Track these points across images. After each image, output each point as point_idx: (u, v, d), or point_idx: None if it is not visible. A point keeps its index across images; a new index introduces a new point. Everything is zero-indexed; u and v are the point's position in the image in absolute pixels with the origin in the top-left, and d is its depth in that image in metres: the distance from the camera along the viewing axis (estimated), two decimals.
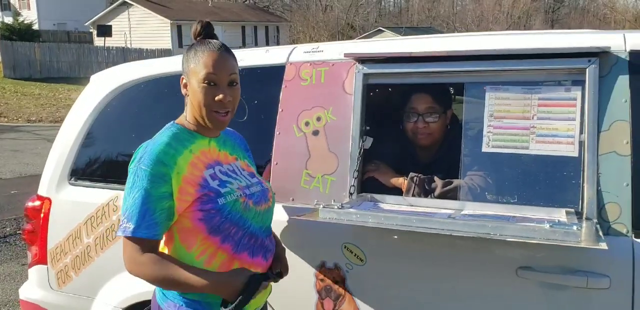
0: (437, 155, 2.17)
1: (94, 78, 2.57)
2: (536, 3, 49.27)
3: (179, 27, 31.57)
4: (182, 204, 1.53)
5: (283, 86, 2.09)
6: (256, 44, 35.09)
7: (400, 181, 2.03)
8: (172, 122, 1.67)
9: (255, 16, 37.44)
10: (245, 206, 1.61)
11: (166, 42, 30.73)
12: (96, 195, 2.33)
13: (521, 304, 1.74)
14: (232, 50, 1.66)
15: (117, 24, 31.61)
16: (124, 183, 2.25)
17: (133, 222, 1.49)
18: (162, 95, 2.34)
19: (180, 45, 31.26)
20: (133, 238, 1.49)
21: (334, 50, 2.05)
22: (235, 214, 1.58)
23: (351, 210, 1.68)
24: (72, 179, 2.42)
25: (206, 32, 1.63)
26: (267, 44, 36.08)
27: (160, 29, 31.32)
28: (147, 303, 2.22)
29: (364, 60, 1.96)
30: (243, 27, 34.98)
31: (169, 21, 31.01)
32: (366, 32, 39.01)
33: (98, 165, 2.42)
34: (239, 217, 1.59)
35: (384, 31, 36.53)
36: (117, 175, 2.32)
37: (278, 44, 36.49)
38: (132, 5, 31.89)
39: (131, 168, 1.54)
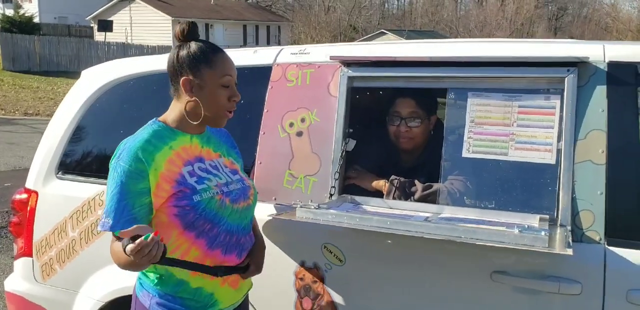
0: (419, 159, 2.20)
1: (85, 73, 2.59)
2: (539, 10, 49.37)
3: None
4: (158, 200, 1.56)
5: (269, 87, 2.12)
6: (257, 43, 35.11)
7: (381, 184, 2.06)
8: (154, 119, 1.70)
9: (257, 15, 37.45)
10: (221, 204, 1.63)
11: (167, 39, 30.71)
12: (83, 190, 2.35)
13: (495, 307, 1.76)
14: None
15: (118, 19, 31.61)
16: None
17: (111, 218, 1.53)
18: (150, 92, 2.37)
19: None
20: (113, 233, 1.54)
21: (321, 52, 2.08)
22: (209, 211, 1.60)
23: (328, 210, 1.71)
24: (60, 172, 2.45)
25: (195, 33, 1.66)
26: (268, 43, 36.11)
27: (161, 26, 31.33)
28: (130, 297, 2.24)
29: (349, 63, 1.99)
30: (244, 26, 35.00)
31: (170, 18, 31.01)
32: (368, 34, 39.05)
33: (86, 160, 2.44)
34: (214, 215, 1.61)
35: (386, 34, 36.58)
36: (104, 170, 2.29)
37: (279, 43, 36.51)
38: (134, 0, 31.91)
39: (111, 164, 1.58)
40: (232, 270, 1.69)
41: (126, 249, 1.37)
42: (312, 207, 1.71)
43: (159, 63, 2.36)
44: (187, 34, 1.65)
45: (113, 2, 32.92)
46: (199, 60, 1.61)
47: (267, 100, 2.11)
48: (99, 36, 29.03)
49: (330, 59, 2.00)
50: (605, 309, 1.66)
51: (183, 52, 1.63)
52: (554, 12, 55.22)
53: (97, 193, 2.30)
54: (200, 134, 1.72)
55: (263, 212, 1.95)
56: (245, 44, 34.30)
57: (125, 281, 2.21)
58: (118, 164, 1.55)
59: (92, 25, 32.49)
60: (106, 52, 25.40)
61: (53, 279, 2.45)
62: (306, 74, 2.07)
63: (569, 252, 1.43)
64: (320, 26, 37.83)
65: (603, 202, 1.69)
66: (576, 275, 1.67)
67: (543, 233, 1.48)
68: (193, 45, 1.63)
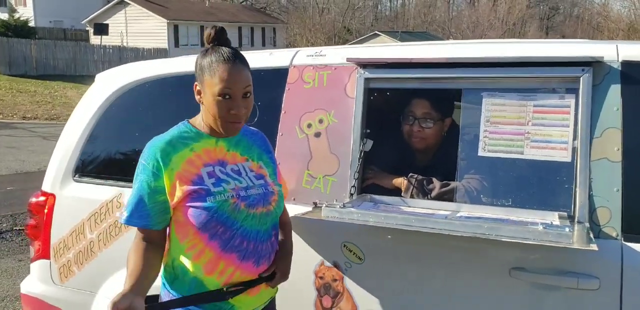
0: (433, 160, 2.23)
1: (99, 77, 2.62)
2: (531, 10, 49.58)
3: (176, 27, 31.58)
4: (172, 198, 1.63)
5: (286, 89, 2.15)
6: (252, 45, 35.13)
7: (400, 181, 2.09)
8: (185, 120, 1.75)
9: (252, 17, 37.46)
10: (234, 207, 1.64)
11: (162, 42, 30.71)
12: (100, 192, 2.37)
13: (514, 303, 1.79)
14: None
15: (114, 22, 31.55)
16: (128, 180, 2.34)
17: (128, 211, 1.65)
18: (166, 95, 2.39)
19: (177, 45, 31.26)
20: (129, 225, 1.66)
21: (337, 54, 2.12)
22: (222, 214, 1.62)
23: (353, 209, 1.74)
24: (77, 175, 2.47)
25: (220, 38, 1.66)
26: (264, 45, 36.12)
27: (157, 29, 31.31)
28: (149, 298, 2.26)
29: (365, 65, 2.03)
30: (240, 28, 34.99)
31: (165, 21, 30.99)
32: (362, 35, 39.14)
33: (102, 163, 2.46)
34: (226, 218, 1.63)
35: (380, 35, 36.68)
36: (121, 173, 2.37)
37: (274, 45, 36.55)
38: (129, 4, 31.86)
39: (138, 162, 1.67)
40: (250, 283, 1.71)
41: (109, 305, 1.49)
42: (338, 206, 1.74)
43: (175, 66, 2.39)
44: (212, 39, 1.66)
45: (108, 5, 32.88)
46: (202, 66, 1.64)
47: (284, 101, 2.14)
48: (94, 39, 28.99)
49: (347, 61, 2.03)
50: (623, 304, 1.69)
51: (202, 58, 1.66)
52: (545, 12, 55.47)
53: (115, 195, 2.32)
54: (229, 138, 1.73)
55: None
56: (240, 45, 34.28)
57: None
58: (140, 162, 1.65)
59: (87, 28, 32.43)
60: (102, 55, 25.39)
61: (71, 280, 2.47)
62: (323, 75, 2.10)
63: (594, 247, 1.46)
64: (315, 28, 37.92)
65: (619, 199, 1.72)
66: (594, 270, 1.70)
67: (567, 229, 1.51)
68: (213, 53, 1.63)
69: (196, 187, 1.62)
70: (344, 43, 36.21)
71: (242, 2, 44.51)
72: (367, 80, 2.02)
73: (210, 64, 1.62)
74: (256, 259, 1.70)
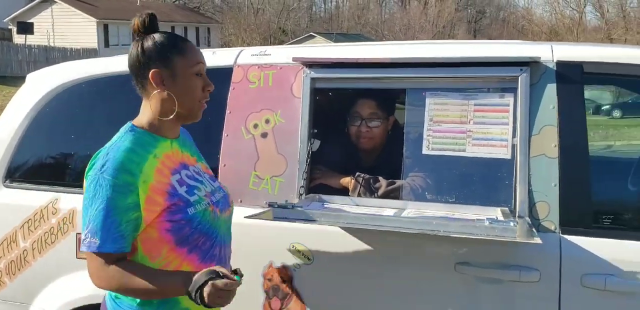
0: (379, 159, 2.26)
1: (30, 77, 2.49)
2: (460, 13, 51.21)
3: (106, 26, 30.54)
4: (150, 215, 1.44)
5: (231, 88, 2.11)
6: None
7: (347, 180, 2.10)
8: (129, 124, 1.54)
9: (185, 17, 36.79)
10: (214, 215, 1.54)
11: (92, 42, 29.61)
12: (34, 198, 2.26)
13: (460, 298, 1.84)
14: None
15: (39, 21, 30.16)
16: (64, 185, 2.25)
17: (99, 237, 1.38)
18: (104, 95, 2.31)
19: (107, 44, 30.24)
20: (99, 253, 1.39)
21: (282, 54, 2.10)
22: (205, 224, 1.50)
23: (303, 210, 1.73)
24: (7, 181, 2.34)
25: (154, 25, 1.52)
26: (198, 45, 34.92)
27: (86, 28, 30.15)
28: (87, 308, 2.17)
29: (311, 64, 2.02)
30: (172, 28, 34.20)
31: (95, 20, 29.91)
32: (297, 36, 39.24)
33: (36, 167, 2.34)
34: (209, 227, 1.52)
35: (315, 36, 36.90)
36: (56, 177, 2.27)
37: (209, 45, 36.03)
38: (55, 2, 30.57)
39: (90, 176, 1.42)
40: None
41: (217, 283, 1.32)
42: (288, 207, 1.72)
43: (113, 65, 2.30)
44: (149, 26, 1.50)
45: (33, 3, 31.40)
46: (168, 48, 1.48)
47: (229, 101, 2.10)
48: (18, 39, 27.58)
49: (293, 61, 2.03)
50: (562, 294, 1.76)
51: (148, 44, 1.47)
52: (473, 15, 57.39)
53: (50, 201, 2.22)
54: (178, 138, 1.60)
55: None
56: None
57: (80, 292, 2.15)
58: (102, 177, 1.39)
59: (10, 27, 30.86)
60: (27, 55, 24.17)
61: (2, 292, 2.34)
62: (268, 75, 2.08)
63: (538, 240, 1.52)
64: (250, 28, 37.70)
65: (557, 193, 1.80)
66: (535, 263, 1.77)
67: (512, 224, 1.56)
68: (158, 35, 1.50)
69: (175, 198, 1.45)
70: (279, 44, 36.17)
71: (175, 1, 43.64)
72: (313, 80, 2.01)
73: (174, 44, 1.49)
74: (224, 263, 1.60)
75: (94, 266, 1.41)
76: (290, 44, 33.78)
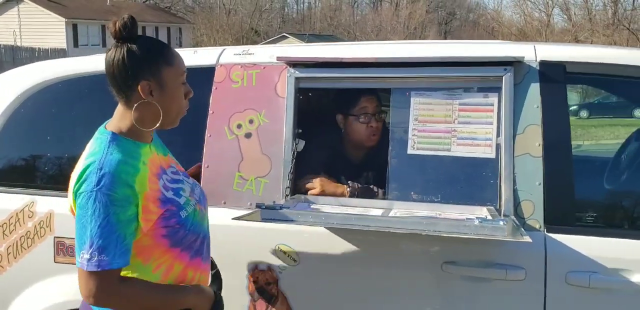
0: (366, 157, 2.24)
1: (2, 77, 2.41)
2: (430, 15, 51.69)
3: (75, 26, 29.98)
4: (147, 224, 1.42)
5: (213, 88, 2.08)
6: None
7: (341, 190, 2.06)
8: (107, 131, 1.46)
9: (156, 17, 36.35)
10: (201, 213, 1.56)
11: (61, 41, 29.03)
12: (9, 201, 2.18)
13: (447, 297, 1.84)
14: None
15: (5, 20, 29.50)
16: (40, 187, 2.18)
17: (106, 254, 1.34)
18: (81, 95, 2.25)
19: (76, 44, 29.69)
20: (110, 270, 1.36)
21: (265, 53, 2.08)
22: (196, 224, 1.51)
23: (291, 210, 1.71)
24: None
25: (135, 28, 1.46)
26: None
27: (54, 28, 29.55)
28: None
29: (295, 64, 2.00)
30: (144, 28, 33.79)
31: (63, 19, 29.33)
32: (270, 37, 39.12)
33: (11, 169, 2.27)
34: (199, 226, 1.53)
35: (288, 37, 36.82)
36: (32, 180, 2.21)
37: (180, 45, 35.66)
38: (23, 1, 29.90)
39: (86, 193, 1.36)
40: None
41: None
42: (276, 208, 1.70)
43: (90, 64, 2.24)
44: (131, 31, 1.43)
45: None
46: (157, 58, 1.43)
47: (212, 101, 2.07)
48: None
49: (277, 60, 2.00)
50: (547, 291, 1.78)
51: (134, 51, 1.40)
52: (443, 17, 58.00)
53: (26, 204, 2.15)
54: (153, 141, 1.56)
55: (214, 216, 1.91)
56: None
57: (58, 297, 2.10)
58: (100, 193, 1.34)
59: None
60: None
61: None
62: (251, 74, 2.05)
63: (527, 239, 1.53)
64: (222, 29, 37.40)
65: (541, 192, 1.81)
66: (520, 261, 1.78)
67: (501, 223, 1.56)
68: (142, 43, 1.43)
69: (167, 204, 1.44)
70: (252, 45, 35.95)
71: (146, 1, 43.09)
72: (297, 79, 1.99)
73: (162, 54, 1.44)
74: (207, 255, 1.62)
75: (101, 286, 1.36)
76: (263, 44, 33.64)
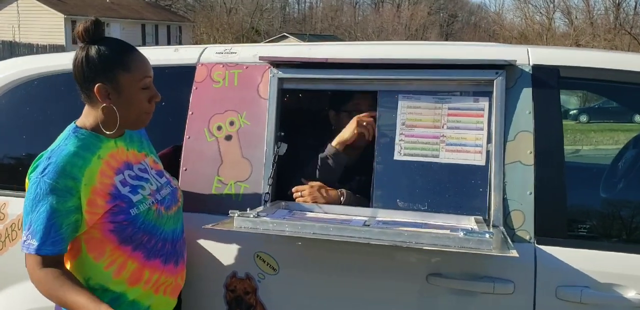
0: (360, 159, 2.14)
1: None
2: (432, 17, 51.73)
3: (74, 23, 29.91)
4: (93, 217, 1.44)
5: (193, 88, 2.00)
6: (157, 43, 34.03)
7: (333, 200, 1.98)
8: (73, 125, 1.54)
9: (156, 14, 36.31)
10: (158, 214, 1.54)
11: (59, 38, 29.00)
12: None
13: (432, 309, 1.76)
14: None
15: (4, 16, 29.43)
16: (12, 189, 2.10)
17: (37, 239, 1.42)
18: (57, 93, 2.17)
19: (75, 41, 29.60)
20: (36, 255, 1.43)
21: (248, 52, 2.00)
22: (148, 223, 1.51)
23: (267, 218, 1.63)
24: None
25: (100, 32, 1.50)
26: (169, 43, 35.11)
27: (54, 24, 29.51)
28: None
29: (279, 64, 1.92)
30: (143, 26, 33.82)
31: (62, 16, 29.31)
32: (270, 37, 39.09)
33: None
34: (152, 226, 1.52)
35: (288, 37, 36.80)
36: (4, 181, 2.13)
37: (180, 44, 35.64)
38: None
39: (32, 179, 1.43)
40: None
41: None
42: (251, 216, 1.62)
43: (67, 61, 2.16)
44: (94, 34, 1.48)
45: None
46: (113, 63, 1.46)
47: (191, 102, 1.99)
48: None
49: (260, 60, 1.92)
50: (536, 306, 1.70)
51: (92, 56, 1.47)
52: (445, 19, 58.04)
53: None
54: (122, 136, 1.59)
55: (192, 222, 1.83)
56: (144, 44, 33.09)
57: (30, 303, 2.00)
58: (42, 181, 1.41)
59: None
60: None
61: None
62: (234, 74, 1.97)
63: (514, 253, 1.45)
64: (222, 28, 37.36)
65: (532, 202, 1.74)
66: (509, 274, 1.70)
67: (487, 236, 1.49)
68: (102, 47, 1.47)
69: (117, 200, 1.47)
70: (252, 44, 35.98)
71: None
72: (280, 80, 1.91)
73: (118, 57, 1.46)
74: (176, 259, 1.63)
75: (29, 265, 1.46)
76: (264, 43, 33.61)
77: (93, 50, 1.47)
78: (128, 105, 1.49)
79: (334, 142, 2.03)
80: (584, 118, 14.51)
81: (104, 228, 1.47)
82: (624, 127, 11.51)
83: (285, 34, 38.45)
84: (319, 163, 2.02)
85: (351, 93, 2.13)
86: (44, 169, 1.42)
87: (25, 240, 1.44)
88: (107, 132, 1.51)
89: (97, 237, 1.48)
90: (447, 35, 53.51)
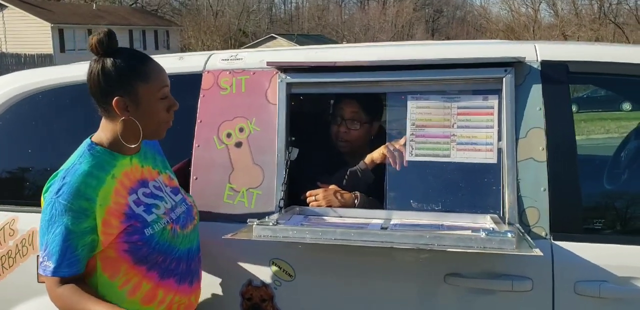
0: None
1: None
2: (418, 13, 51.81)
3: (61, 31, 29.74)
4: (108, 237, 1.42)
5: (200, 95, 1.99)
6: (145, 49, 33.85)
7: (349, 203, 1.97)
8: (88, 141, 1.51)
9: (143, 20, 36.14)
10: (173, 233, 1.52)
11: (47, 47, 28.79)
12: None
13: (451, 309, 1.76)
14: None
15: None
16: (21, 204, 2.08)
17: (53, 261, 1.41)
18: (64, 106, 2.15)
19: (63, 49, 29.46)
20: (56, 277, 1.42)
21: (254, 58, 1.98)
22: (163, 244, 1.48)
23: (286, 226, 1.62)
24: None
25: (112, 42, 1.46)
26: (157, 48, 34.96)
27: (41, 33, 29.28)
28: None
29: (286, 69, 1.91)
30: (130, 31, 33.61)
31: (49, 24, 29.08)
32: (258, 38, 39.00)
33: None
34: (167, 246, 1.50)
35: (276, 38, 36.72)
36: (13, 195, 2.10)
37: (168, 48, 35.52)
38: (7, 6, 29.58)
39: (47, 199, 1.41)
40: None
41: None
42: (270, 224, 1.61)
43: (72, 74, 2.14)
44: (108, 46, 1.44)
45: None
46: (131, 75, 1.43)
47: (199, 110, 1.97)
48: None
49: (267, 65, 1.91)
50: (555, 302, 1.70)
51: (109, 68, 1.43)
52: (431, 15, 58.14)
53: (7, 222, 2.05)
54: (138, 153, 1.57)
55: (205, 231, 1.82)
56: None
57: None
58: (57, 201, 1.39)
59: None
60: None
61: None
62: (240, 81, 1.96)
63: (538, 252, 1.44)
64: (210, 31, 37.20)
65: (547, 198, 1.73)
66: (527, 272, 1.70)
67: (510, 235, 1.48)
68: (118, 59, 1.44)
69: (131, 220, 1.45)
70: (240, 46, 35.89)
71: (132, 4, 42.86)
72: (289, 85, 1.90)
73: (135, 68, 1.44)
74: (190, 279, 1.60)
75: (48, 286, 1.45)
76: (251, 45, 33.55)
77: (109, 62, 1.43)
78: (147, 117, 1.47)
79: (367, 160, 2.03)
80: (573, 108, 14.55)
81: (119, 248, 1.45)
82: (612, 115, 11.59)
83: (273, 34, 38.37)
84: (347, 174, 2.03)
85: (340, 99, 2.15)
86: (59, 189, 1.40)
87: (41, 262, 1.43)
88: (129, 146, 1.48)
89: (112, 257, 1.47)
90: (434, 30, 53.62)
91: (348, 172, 2.03)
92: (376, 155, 2.01)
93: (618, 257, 1.68)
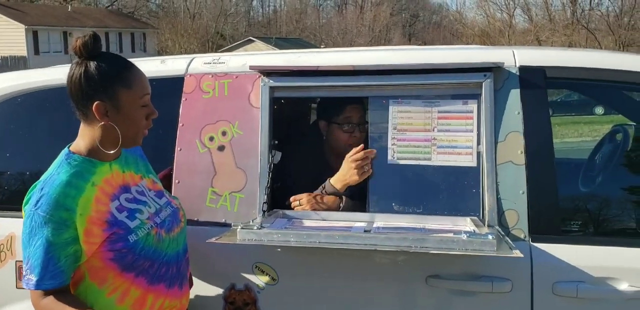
0: None
1: None
2: (394, 17, 52.21)
3: (35, 33, 29.29)
4: (91, 247, 1.40)
5: (183, 99, 1.98)
6: (121, 51, 33.48)
7: (333, 207, 1.99)
8: (66, 150, 1.47)
9: (119, 22, 35.79)
10: (158, 238, 1.50)
11: (21, 49, 28.33)
12: None
13: None
14: None
15: None
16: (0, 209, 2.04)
17: (36, 274, 1.38)
18: (42, 109, 2.12)
19: (37, 52, 29.01)
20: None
21: (237, 62, 1.99)
22: (148, 249, 1.46)
23: (271, 230, 1.62)
24: None
25: (97, 47, 1.44)
26: (133, 51, 34.62)
27: (14, 35, 28.79)
28: None
29: (269, 73, 1.92)
30: (107, 34, 33.23)
31: (23, 26, 28.63)
32: (236, 41, 38.88)
33: None
34: (153, 251, 1.48)
35: (254, 41, 36.64)
36: None
37: (145, 51, 35.21)
38: None
39: (26, 211, 1.38)
40: None
41: None
42: (255, 228, 1.61)
43: (51, 77, 2.12)
44: (92, 49, 1.42)
45: None
46: (113, 80, 1.41)
47: (181, 113, 1.97)
48: None
49: (250, 69, 1.92)
50: (534, 303, 1.73)
51: (92, 72, 1.40)
52: (407, 19, 58.64)
53: None
54: (118, 158, 1.54)
55: (187, 235, 1.81)
56: None
57: None
58: (36, 213, 1.36)
59: None
60: None
61: None
62: (223, 84, 1.96)
63: (518, 254, 1.47)
64: (187, 33, 36.97)
65: (525, 201, 1.77)
66: (506, 273, 1.73)
67: (490, 237, 1.51)
68: (102, 63, 1.42)
69: (114, 227, 1.43)
70: (218, 49, 35.73)
71: (108, 6, 42.42)
72: (272, 88, 1.91)
73: (119, 73, 1.42)
74: (179, 282, 1.59)
75: (32, 300, 1.43)
76: (229, 48, 33.42)
77: (92, 66, 1.41)
78: (127, 123, 1.45)
79: (339, 185, 1.98)
80: None
81: (104, 257, 1.43)
82: (585, 119, 11.85)
83: (251, 38, 38.28)
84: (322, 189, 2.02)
85: (344, 105, 2.15)
86: (37, 201, 1.37)
87: (24, 275, 1.40)
88: (107, 152, 1.46)
89: (97, 266, 1.44)
90: (410, 35, 54.03)
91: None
92: (348, 179, 1.95)
93: (595, 258, 1.72)
